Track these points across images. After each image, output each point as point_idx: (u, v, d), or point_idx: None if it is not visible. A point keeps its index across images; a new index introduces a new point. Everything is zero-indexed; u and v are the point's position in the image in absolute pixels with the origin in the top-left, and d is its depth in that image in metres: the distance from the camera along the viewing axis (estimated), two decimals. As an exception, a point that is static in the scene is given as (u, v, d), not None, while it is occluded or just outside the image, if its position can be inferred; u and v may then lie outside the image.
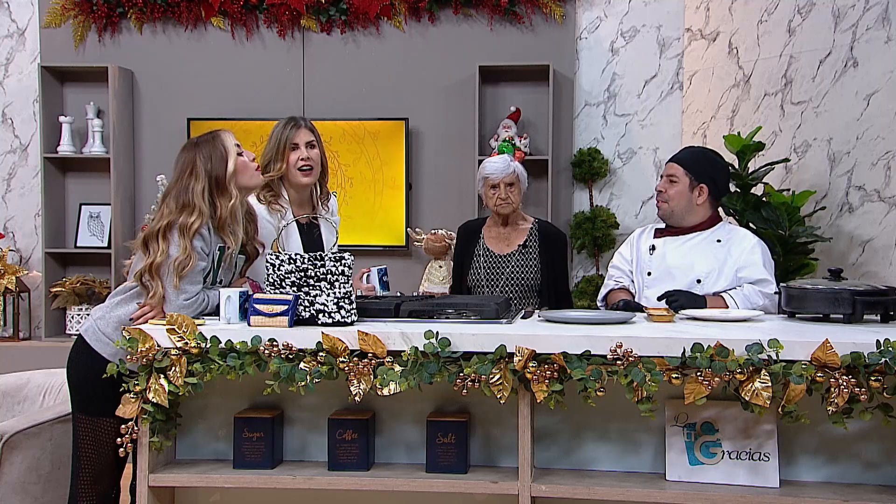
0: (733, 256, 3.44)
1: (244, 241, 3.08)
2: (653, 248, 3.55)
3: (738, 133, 4.64)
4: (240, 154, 3.02)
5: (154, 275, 2.86)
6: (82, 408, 2.95)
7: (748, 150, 4.51)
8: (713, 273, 3.42)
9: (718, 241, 3.48)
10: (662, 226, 3.61)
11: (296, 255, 2.74)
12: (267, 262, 2.78)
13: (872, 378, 2.39)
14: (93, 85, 5.64)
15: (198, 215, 2.87)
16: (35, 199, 5.75)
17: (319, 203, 3.48)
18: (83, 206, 5.73)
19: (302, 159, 3.32)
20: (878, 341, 2.40)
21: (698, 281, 3.41)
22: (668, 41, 5.48)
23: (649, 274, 3.50)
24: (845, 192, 4.44)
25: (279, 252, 2.79)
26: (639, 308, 3.26)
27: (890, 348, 2.38)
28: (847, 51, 4.45)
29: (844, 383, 2.37)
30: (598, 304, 3.68)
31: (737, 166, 4.54)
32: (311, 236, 3.41)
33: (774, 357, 2.43)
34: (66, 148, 5.62)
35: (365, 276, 3.39)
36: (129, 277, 3.02)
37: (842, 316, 2.81)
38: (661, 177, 3.57)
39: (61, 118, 5.61)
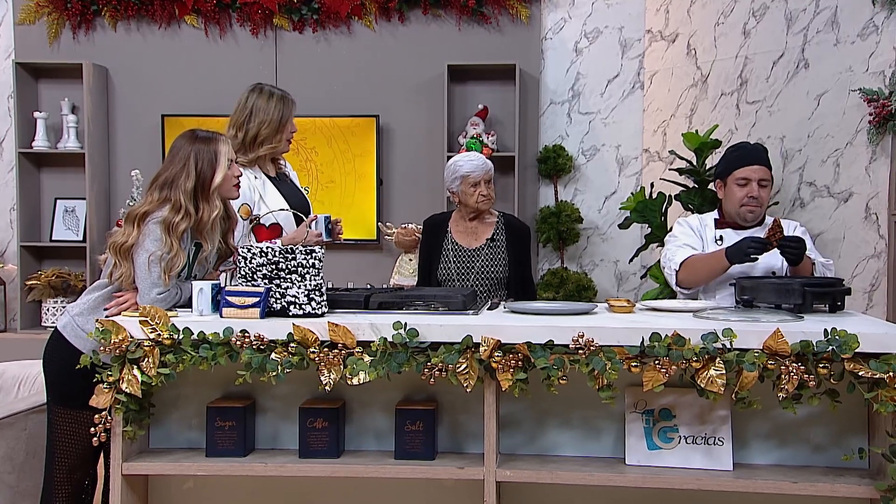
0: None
1: (220, 244, 3.09)
2: (720, 238, 3.47)
3: (696, 131, 4.75)
4: (228, 167, 3.01)
5: (123, 255, 2.89)
6: (61, 401, 2.97)
7: (705, 148, 4.61)
8: (784, 264, 3.39)
9: None
10: (715, 215, 3.54)
11: (267, 247, 2.78)
12: (239, 255, 2.82)
13: (820, 365, 2.47)
14: (67, 81, 5.65)
15: (184, 215, 2.88)
16: (10, 193, 5.76)
17: (279, 160, 3.71)
18: (58, 201, 5.74)
19: (292, 132, 3.59)
20: (825, 330, 2.48)
21: (773, 273, 3.38)
22: (630, 42, 5.59)
23: None
24: (797, 187, 4.56)
25: (250, 246, 2.82)
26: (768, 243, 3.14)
27: (837, 337, 2.46)
28: (799, 52, 4.56)
29: (794, 370, 2.45)
30: (673, 269, 3.41)
31: (695, 163, 4.66)
32: (286, 185, 3.64)
33: (728, 346, 2.50)
34: (40, 143, 5.62)
35: (313, 222, 3.47)
36: (104, 273, 3.03)
37: (792, 306, 2.89)
38: (743, 182, 3.41)
39: (36, 114, 5.61)
